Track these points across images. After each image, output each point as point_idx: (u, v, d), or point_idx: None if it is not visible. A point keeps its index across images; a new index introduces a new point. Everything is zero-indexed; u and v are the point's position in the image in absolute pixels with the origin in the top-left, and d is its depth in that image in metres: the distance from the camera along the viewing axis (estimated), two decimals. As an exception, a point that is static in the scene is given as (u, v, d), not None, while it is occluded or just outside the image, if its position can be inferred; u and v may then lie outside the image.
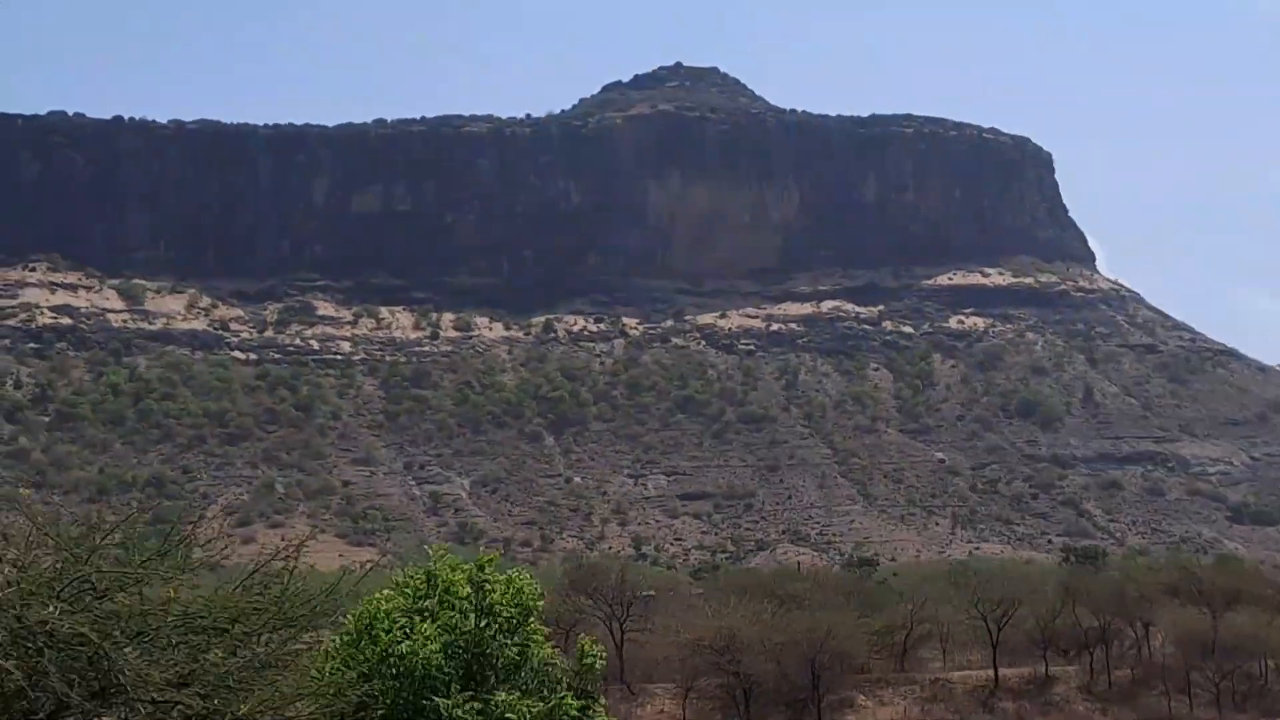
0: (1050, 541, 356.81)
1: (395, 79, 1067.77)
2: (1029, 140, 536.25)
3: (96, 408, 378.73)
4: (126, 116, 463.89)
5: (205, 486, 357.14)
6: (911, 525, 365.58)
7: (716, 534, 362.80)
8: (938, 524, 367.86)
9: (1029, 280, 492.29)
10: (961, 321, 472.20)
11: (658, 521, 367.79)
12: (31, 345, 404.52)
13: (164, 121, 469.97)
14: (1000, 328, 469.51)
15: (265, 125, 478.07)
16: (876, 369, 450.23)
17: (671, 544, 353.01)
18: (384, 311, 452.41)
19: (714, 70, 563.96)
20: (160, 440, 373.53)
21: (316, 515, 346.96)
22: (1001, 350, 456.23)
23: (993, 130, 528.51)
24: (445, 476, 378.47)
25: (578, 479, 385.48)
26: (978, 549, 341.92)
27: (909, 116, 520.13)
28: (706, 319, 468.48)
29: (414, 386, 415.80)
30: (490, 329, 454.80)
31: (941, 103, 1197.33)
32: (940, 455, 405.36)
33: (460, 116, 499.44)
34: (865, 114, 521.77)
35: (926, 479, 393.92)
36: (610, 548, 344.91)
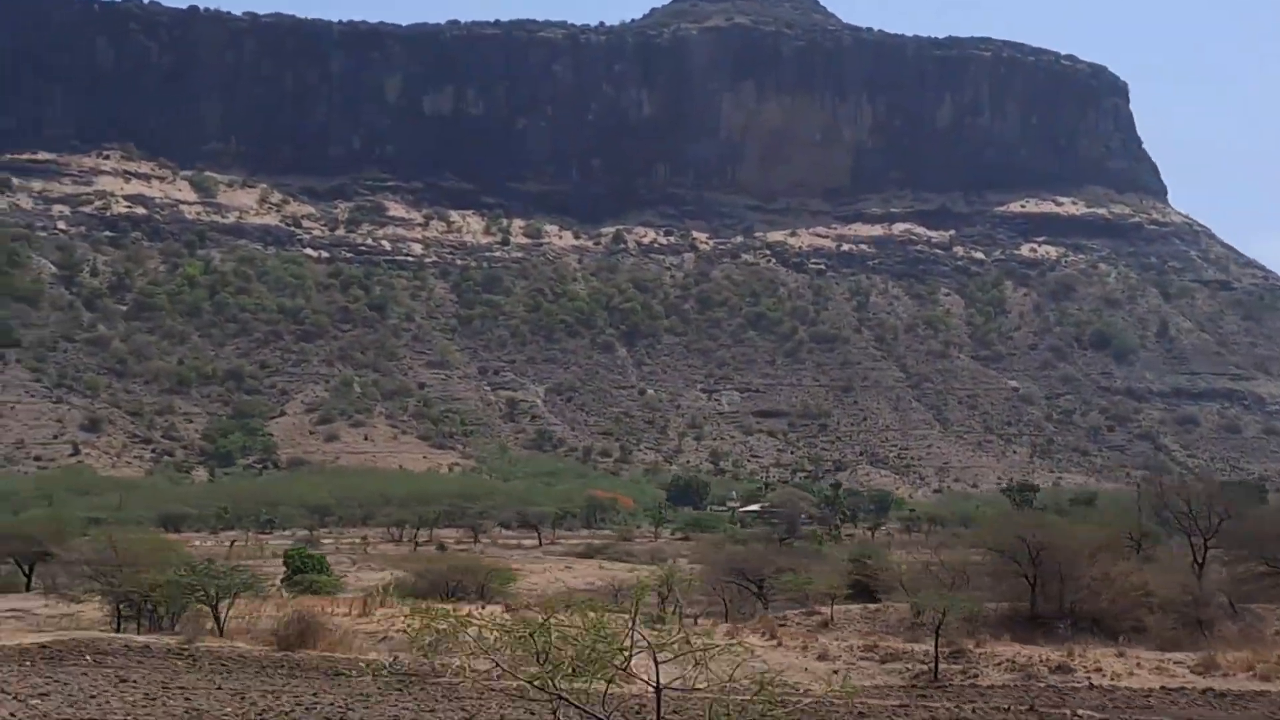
0: (1129, 475, 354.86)
1: None
2: (1106, 69, 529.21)
3: (173, 298, 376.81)
4: (202, 7, 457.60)
5: (283, 383, 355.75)
6: (989, 452, 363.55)
7: (792, 452, 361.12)
8: (1015, 452, 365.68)
9: (1102, 211, 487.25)
10: (1034, 250, 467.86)
11: (733, 437, 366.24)
12: (107, 233, 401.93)
13: (239, 14, 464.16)
14: (1073, 257, 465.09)
15: (339, 21, 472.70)
16: (947, 294, 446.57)
17: (748, 460, 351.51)
18: (454, 215, 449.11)
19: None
20: (236, 334, 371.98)
21: (394, 416, 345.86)
22: (1074, 280, 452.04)
23: (1070, 57, 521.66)
24: (520, 383, 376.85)
25: (651, 391, 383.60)
26: (1060, 479, 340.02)
27: (987, 40, 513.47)
28: (776, 236, 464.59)
29: (485, 291, 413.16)
30: (560, 237, 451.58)
31: (1016, 27, 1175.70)
32: (1014, 383, 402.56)
33: (534, 21, 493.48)
34: (941, 35, 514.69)
35: (1001, 406, 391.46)
36: (688, 462, 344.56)
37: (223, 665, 45.10)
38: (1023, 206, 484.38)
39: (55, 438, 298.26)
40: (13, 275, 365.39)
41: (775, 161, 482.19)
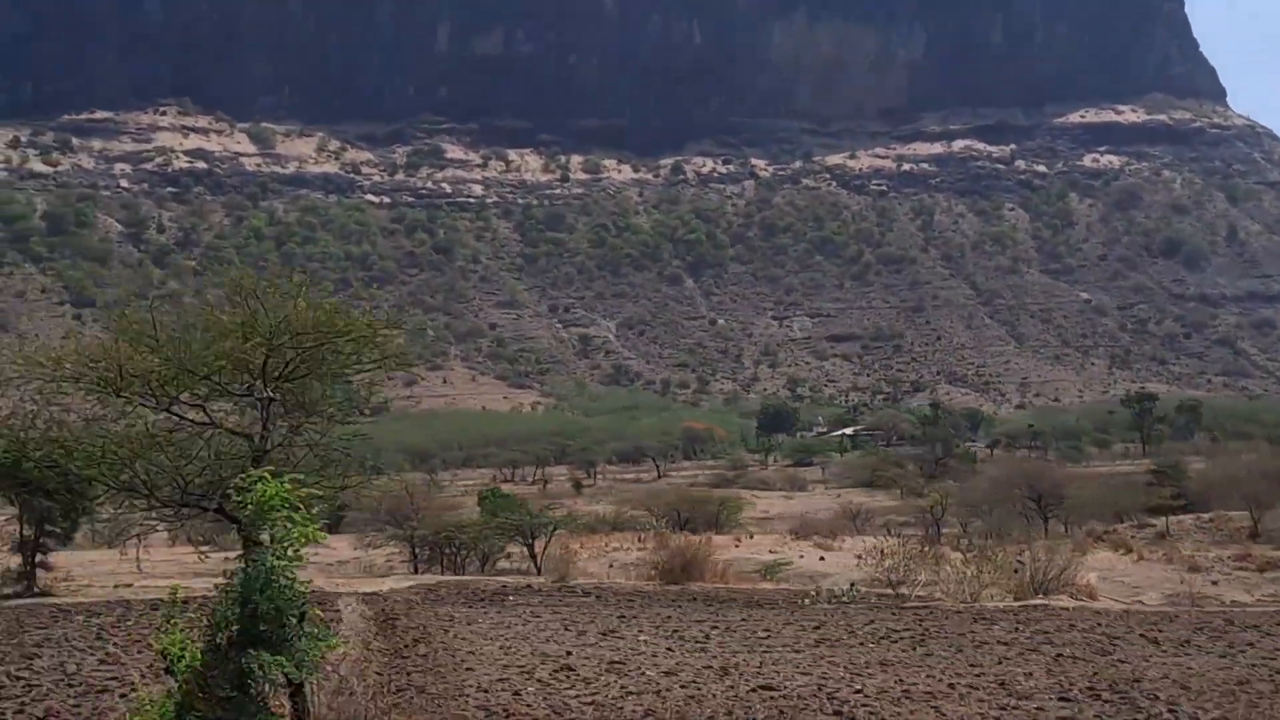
0: (1209, 381, 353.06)
1: None
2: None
3: (241, 251, 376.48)
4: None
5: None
6: (1067, 365, 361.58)
7: (868, 375, 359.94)
8: (1093, 364, 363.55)
9: (1162, 117, 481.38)
10: (1096, 160, 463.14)
11: (807, 363, 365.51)
12: (170, 189, 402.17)
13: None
14: (1135, 165, 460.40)
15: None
16: (1012, 209, 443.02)
17: (825, 385, 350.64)
18: (512, 154, 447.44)
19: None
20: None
21: (470, 358, 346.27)
22: (1139, 188, 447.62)
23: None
24: (590, 319, 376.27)
25: (721, 321, 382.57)
26: (1142, 389, 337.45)
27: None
28: (835, 159, 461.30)
29: (548, 229, 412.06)
30: (619, 171, 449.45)
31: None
32: (1085, 295, 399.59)
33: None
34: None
35: (1074, 319, 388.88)
36: (765, 390, 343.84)
37: (630, 602, 40.63)
38: (1082, 117, 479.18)
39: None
40: (80, 235, 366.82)
41: (829, 86, 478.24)
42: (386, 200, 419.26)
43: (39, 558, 45.78)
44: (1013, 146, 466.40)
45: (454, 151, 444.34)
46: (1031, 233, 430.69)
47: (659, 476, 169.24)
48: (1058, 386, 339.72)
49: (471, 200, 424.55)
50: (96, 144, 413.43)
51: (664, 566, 47.04)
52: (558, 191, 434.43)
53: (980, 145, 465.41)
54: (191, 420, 26.04)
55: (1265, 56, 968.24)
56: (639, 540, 64.77)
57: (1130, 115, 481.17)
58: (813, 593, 41.31)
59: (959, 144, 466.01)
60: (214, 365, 26.37)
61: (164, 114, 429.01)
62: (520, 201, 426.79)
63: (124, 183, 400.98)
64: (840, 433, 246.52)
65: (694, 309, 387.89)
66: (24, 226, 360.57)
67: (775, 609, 38.45)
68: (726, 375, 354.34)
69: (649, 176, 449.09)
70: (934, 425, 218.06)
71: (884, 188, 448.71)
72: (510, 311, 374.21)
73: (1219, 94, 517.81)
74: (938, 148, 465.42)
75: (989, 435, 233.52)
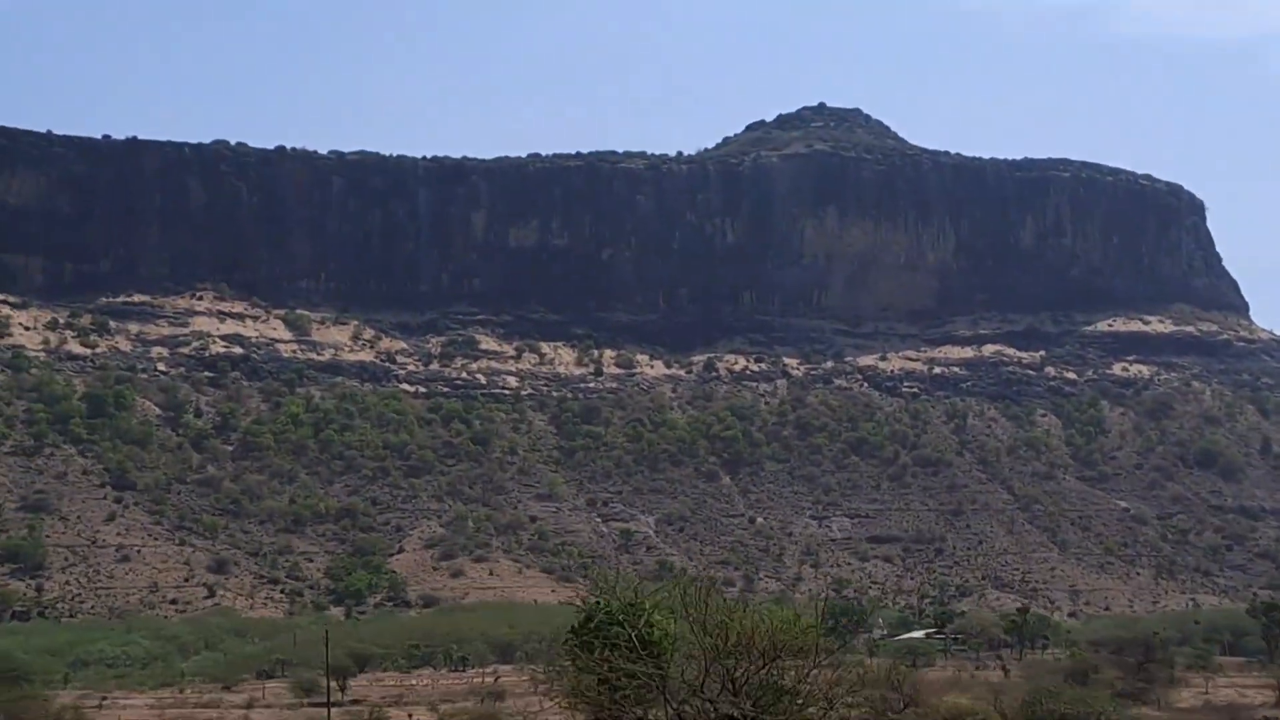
0: (1255, 594, 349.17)
1: (521, 117, 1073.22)
2: (1182, 187, 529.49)
3: (279, 438, 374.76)
4: (289, 146, 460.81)
5: (396, 519, 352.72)
6: (1112, 574, 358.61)
7: (911, 578, 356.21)
8: (1138, 574, 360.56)
9: (1190, 329, 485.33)
10: (1125, 369, 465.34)
11: (849, 564, 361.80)
12: (206, 374, 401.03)
13: (324, 152, 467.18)
14: (1165, 375, 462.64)
15: (424, 158, 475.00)
16: (1044, 414, 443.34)
17: (870, 587, 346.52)
18: (545, 347, 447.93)
19: (857, 111, 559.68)
20: (343, 471, 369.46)
21: (512, 550, 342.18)
22: (1170, 398, 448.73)
23: (1147, 177, 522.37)
24: (630, 514, 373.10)
25: (760, 519, 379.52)
26: (1193, 599, 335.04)
27: (1065, 161, 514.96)
28: (867, 360, 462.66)
29: (584, 422, 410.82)
30: (651, 366, 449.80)
31: (1064, 145, 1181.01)
32: (1124, 504, 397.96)
33: (615, 153, 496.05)
34: (1017, 157, 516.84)
35: (1114, 528, 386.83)
36: (809, 589, 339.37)
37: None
38: (1110, 326, 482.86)
39: (186, 580, 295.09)
40: (119, 418, 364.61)
41: (860, 286, 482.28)
42: (422, 390, 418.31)
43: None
44: (1042, 352, 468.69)
45: (488, 342, 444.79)
46: (1065, 439, 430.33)
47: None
48: (1106, 595, 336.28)
49: (506, 392, 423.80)
50: (134, 327, 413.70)
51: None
52: (591, 385, 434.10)
53: (1010, 350, 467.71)
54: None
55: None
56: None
57: (1158, 326, 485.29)
58: None
59: (989, 348, 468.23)
60: None
61: (201, 298, 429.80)
62: (554, 394, 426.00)
63: (160, 366, 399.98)
64: (912, 635, 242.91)
65: (732, 506, 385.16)
66: (64, 408, 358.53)
67: None
68: (769, 574, 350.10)
69: (681, 372, 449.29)
70: (1019, 631, 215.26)
71: (915, 390, 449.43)
72: (549, 504, 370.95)
73: (1242, 307, 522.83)
74: (968, 351, 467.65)
75: (1062, 642, 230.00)
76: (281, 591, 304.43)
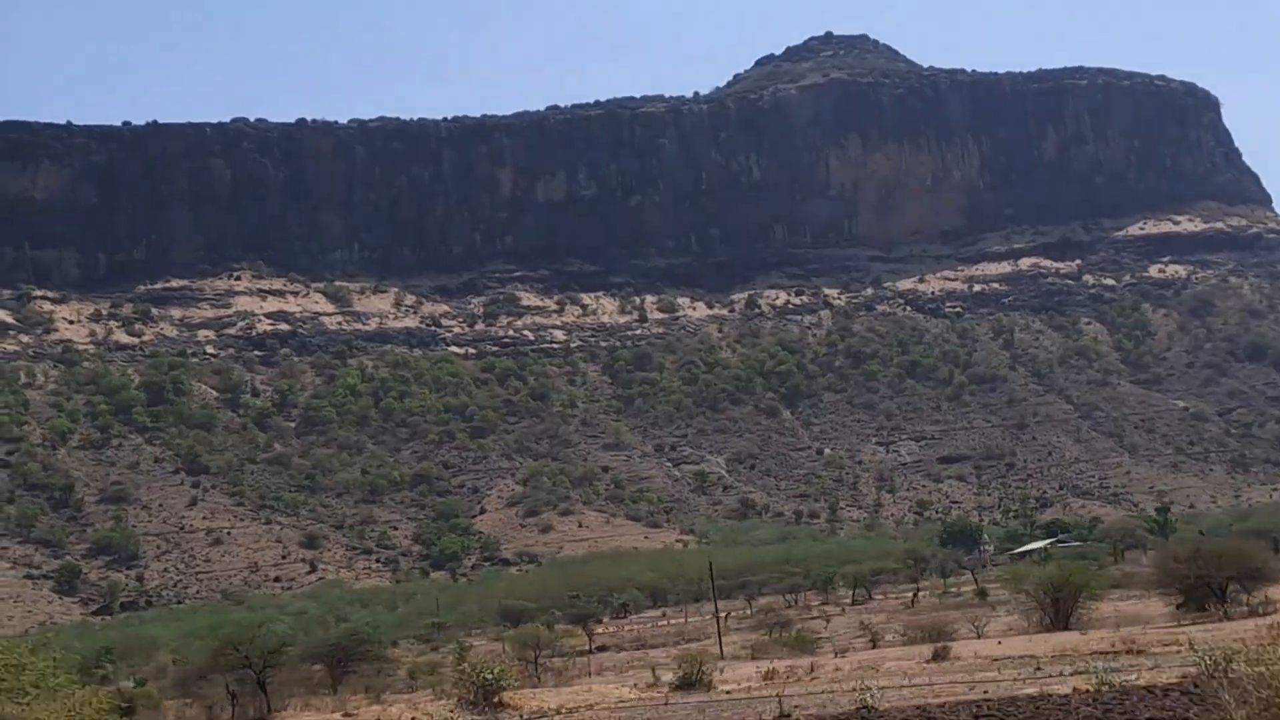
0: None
1: (527, 69, 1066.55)
2: (1196, 85, 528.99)
3: (340, 410, 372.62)
4: (310, 119, 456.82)
5: (471, 480, 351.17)
6: (1187, 472, 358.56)
7: (989, 494, 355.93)
8: (1212, 470, 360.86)
9: (1219, 225, 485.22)
10: (1162, 270, 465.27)
11: (924, 486, 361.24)
12: (256, 353, 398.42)
13: (344, 121, 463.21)
14: (1202, 274, 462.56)
15: (445, 119, 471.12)
16: (1088, 322, 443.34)
17: (951, 506, 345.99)
18: (586, 298, 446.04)
19: (864, 37, 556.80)
20: (409, 438, 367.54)
21: (592, 502, 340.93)
22: (1210, 295, 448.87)
23: (1161, 77, 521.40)
24: (698, 456, 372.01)
25: (827, 450, 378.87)
26: (1275, 489, 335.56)
27: (1080, 69, 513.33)
28: (906, 284, 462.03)
29: (637, 370, 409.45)
30: (694, 308, 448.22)
31: (1082, 50, 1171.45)
32: (1181, 403, 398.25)
33: (633, 98, 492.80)
34: (1031, 69, 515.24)
35: (1177, 428, 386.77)
36: (891, 515, 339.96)
37: None
38: (1141, 229, 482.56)
39: (284, 558, 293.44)
40: (180, 403, 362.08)
41: (889, 211, 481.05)
42: (471, 351, 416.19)
43: None
44: (1078, 261, 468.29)
45: (528, 298, 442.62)
46: (1114, 344, 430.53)
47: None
48: (1191, 494, 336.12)
49: (555, 345, 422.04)
50: (176, 312, 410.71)
51: None
52: (638, 332, 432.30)
53: (1046, 261, 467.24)
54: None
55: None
56: None
57: (1188, 225, 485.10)
58: None
59: (1025, 261, 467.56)
60: None
61: (239, 278, 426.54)
62: (603, 344, 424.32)
63: (210, 349, 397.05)
64: (1036, 546, 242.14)
65: (797, 440, 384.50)
66: (125, 397, 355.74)
67: None
68: (848, 503, 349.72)
69: (724, 312, 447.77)
70: (1163, 529, 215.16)
71: (959, 309, 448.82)
72: (618, 453, 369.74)
73: (1266, 199, 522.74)
74: (1005, 266, 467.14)
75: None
76: (377, 561, 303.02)
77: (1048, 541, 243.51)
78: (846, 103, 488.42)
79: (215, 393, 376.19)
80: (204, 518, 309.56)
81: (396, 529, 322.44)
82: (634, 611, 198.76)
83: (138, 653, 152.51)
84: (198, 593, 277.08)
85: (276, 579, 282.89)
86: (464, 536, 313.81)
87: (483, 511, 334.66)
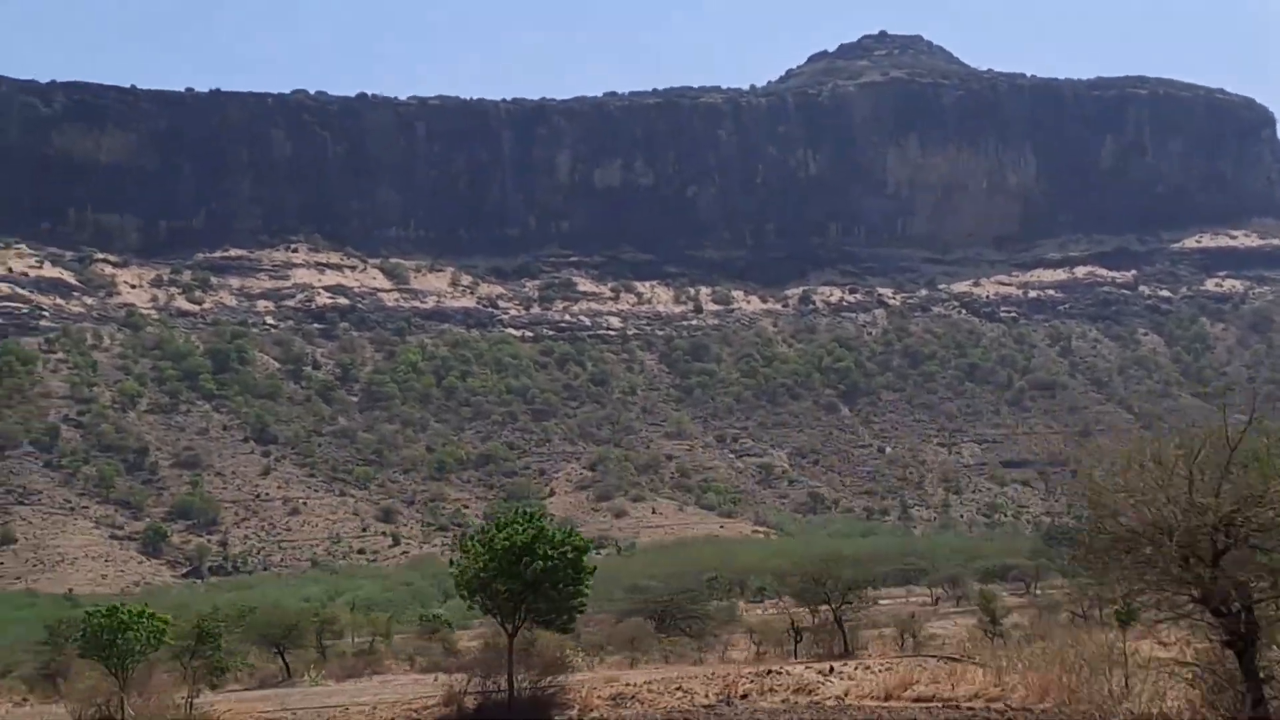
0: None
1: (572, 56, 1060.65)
2: (1254, 100, 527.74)
3: (403, 387, 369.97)
4: (370, 94, 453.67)
5: (536, 463, 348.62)
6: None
7: (1055, 500, 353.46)
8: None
9: (1276, 241, 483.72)
10: (1219, 284, 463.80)
11: (989, 489, 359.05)
12: (316, 325, 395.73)
13: (404, 98, 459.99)
14: (1259, 289, 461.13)
15: (505, 100, 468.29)
16: (1145, 333, 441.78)
17: (1018, 511, 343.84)
18: (641, 286, 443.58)
19: (918, 38, 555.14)
20: (472, 418, 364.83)
21: (659, 489, 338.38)
22: (1270, 311, 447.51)
23: (1221, 90, 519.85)
24: (761, 449, 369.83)
25: (889, 449, 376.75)
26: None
27: (1141, 78, 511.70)
28: (961, 286, 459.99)
29: (694, 360, 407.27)
30: (748, 302, 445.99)
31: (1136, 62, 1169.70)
32: (1243, 417, 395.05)
33: (692, 88, 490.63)
34: (1089, 76, 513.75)
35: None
36: (961, 515, 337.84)
37: None
38: (1198, 242, 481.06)
39: (364, 530, 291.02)
40: (244, 373, 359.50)
41: (944, 213, 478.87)
42: (528, 334, 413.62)
43: None
44: (1134, 272, 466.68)
45: (584, 284, 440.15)
46: (1172, 356, 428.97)
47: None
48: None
49: (612, 332, 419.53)
50: (235, 281, 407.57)
51: None
52: (694, 323, 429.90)
53: (1103, 271, 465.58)
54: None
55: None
56: None
57: (1245, 240, 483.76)
58: None
59: (1081, 270, 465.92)
60: None
61: (296, 250, 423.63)
62: (659, 334, 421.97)
63: (269, 320, 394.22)
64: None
65: (858, 437, 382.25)
66: (191, 364, 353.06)
67: None
68: (916, 502, 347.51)
69: (778, 306, 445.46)
70: None
71: (1014, 314, 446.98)
72: (680, 442, 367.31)
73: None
74: (1061, 274, 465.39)
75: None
76: (455, 538, 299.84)
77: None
78: (906, 102, 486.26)
79: (277, 364, 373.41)
80: (278, 487, 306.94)
81: (467, 507, 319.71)
82: (770, 596, 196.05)
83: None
84: (282, 561, 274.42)
85: (360, 550, 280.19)
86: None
87: (552, 494, 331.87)
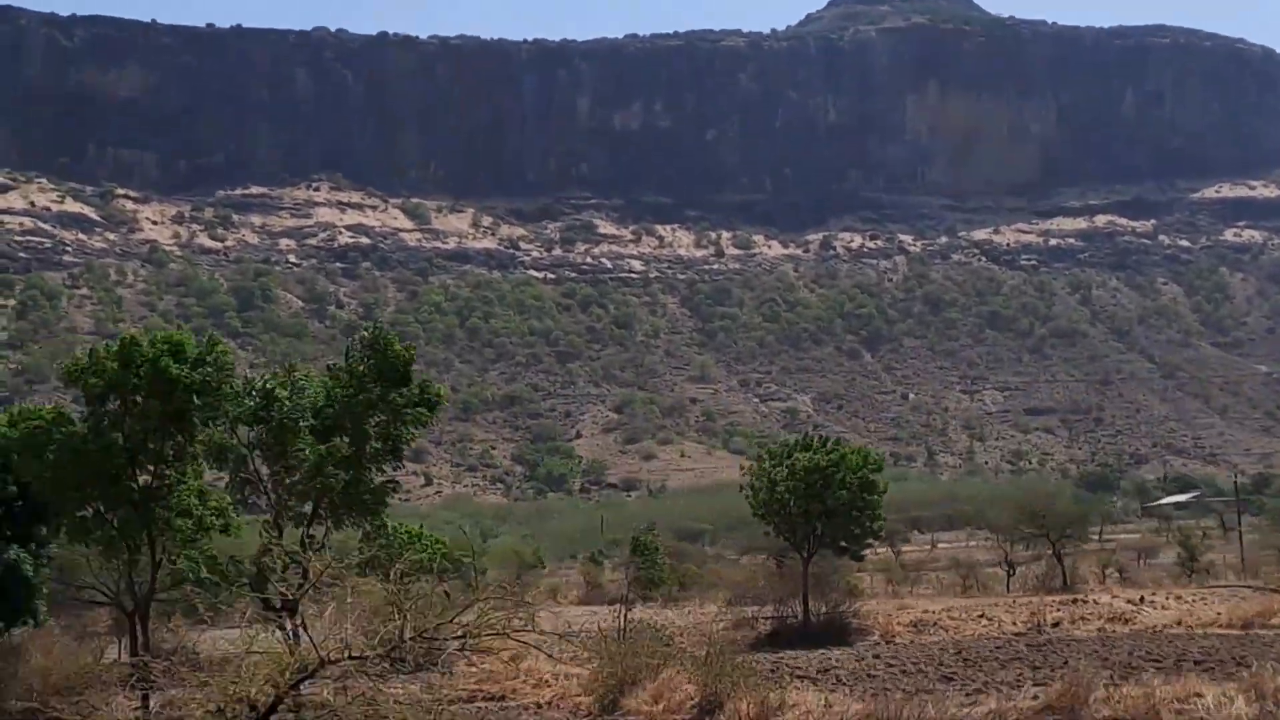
0: None
1: None
2: (1275, 51, 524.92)
3: (426, 327, 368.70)
4: (391, 32, 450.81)
5: (561, 405, 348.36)
6: (1278, 436, 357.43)
7: (1078, 448, 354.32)
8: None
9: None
10: (1238, 234, 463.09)
11: (1013, 436, 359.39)
12: (338, 264, 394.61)
13: (425, 37, 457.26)
14: (1278, 240, 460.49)
15: (526, 41, 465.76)
16: (1165, 283, 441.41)
17: (1040, 458, 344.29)
18: (662, 230, 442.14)
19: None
20: (496, 359, 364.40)
21: (685, 433, 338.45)
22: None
23: (1242, 41, 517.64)
24: (785, 394, 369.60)
25: (912, 395, 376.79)
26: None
27: (1162, 26, 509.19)
28: (981, 234, 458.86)
29: (716, 304, 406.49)
30: (769, 246, 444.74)
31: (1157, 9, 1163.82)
32: (1263, 368, 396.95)
33: (713, 31, 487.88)
34: (1109, 25, 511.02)
35: (1260, 392, 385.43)
36: (986, 462, 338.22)
37: None
38: (1217, 192, 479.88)
39: (396, 470, 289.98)
40: (269, 310, 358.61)
41: (964, 160, 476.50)
42: (550, 276, 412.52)
43: None
44: (1154, 221, 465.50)
45: (605, 227, 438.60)
46: (1192, 306, 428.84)
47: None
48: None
49: (634, 275, 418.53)
50: (256, 219, 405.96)
51: None
52: (715, 267, 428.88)
53: (1123, 220, 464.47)
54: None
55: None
56: None
57: (1264, 190, 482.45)
58: None
59: (1101, 219, 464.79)
60: None
61: (317, 189, 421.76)
62: (681, 277, 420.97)
63: (291, 258, 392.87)
64: (1176, 498, 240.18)
65: (881, 384, 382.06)
66: (215, 301, 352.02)
67: None
68: (940, 449, 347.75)
69: (799, 252, 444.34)
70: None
71: (1034, 262, 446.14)
72: (704, 386, 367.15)
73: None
74: (1081, 222, 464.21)
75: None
76: (484, 479, 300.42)
77: (1189, 495, 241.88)
78: (928, 48, 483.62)
79: (301, 302, 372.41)
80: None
81: (494, 449, 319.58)
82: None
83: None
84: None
85: (407, 491, 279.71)
86: (567, 460, 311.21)
87: (578, 436, 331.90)
